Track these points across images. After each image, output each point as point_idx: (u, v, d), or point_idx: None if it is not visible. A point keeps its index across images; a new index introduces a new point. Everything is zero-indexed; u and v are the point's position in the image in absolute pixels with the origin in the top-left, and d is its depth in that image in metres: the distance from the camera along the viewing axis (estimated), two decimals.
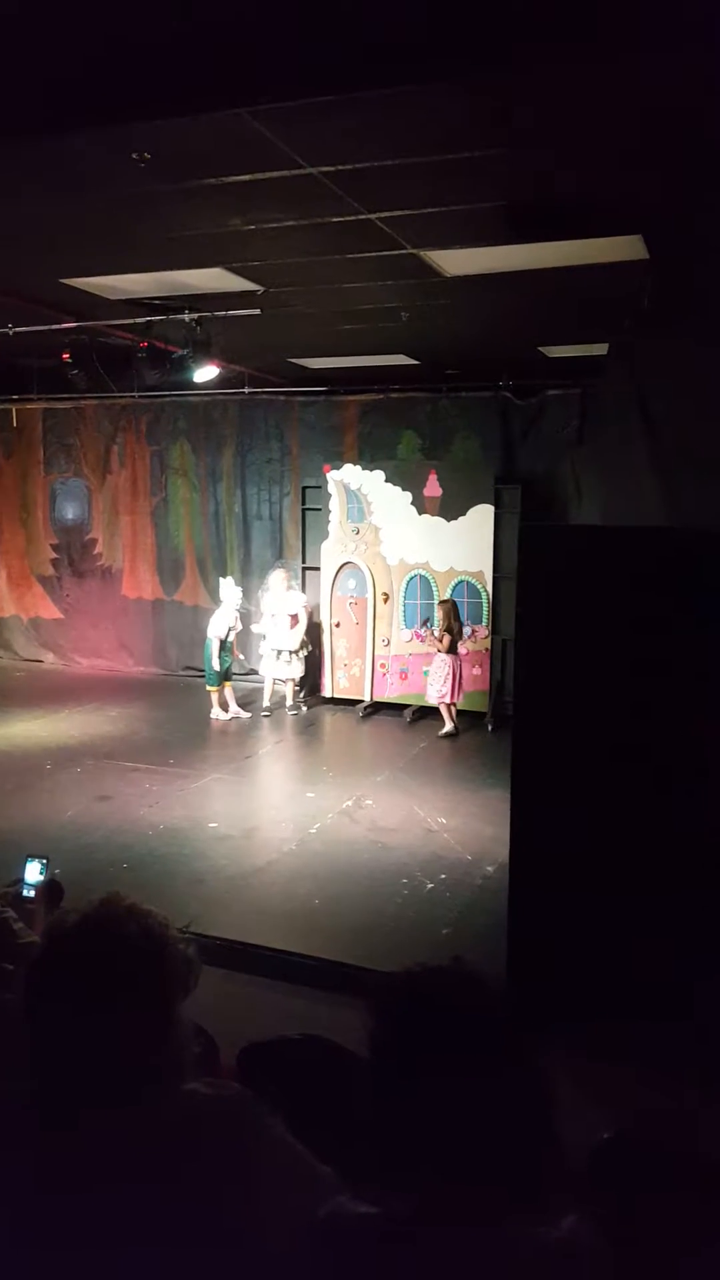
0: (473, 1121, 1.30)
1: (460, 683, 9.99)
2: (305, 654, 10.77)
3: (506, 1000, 1.40)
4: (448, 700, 9.92)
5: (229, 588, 10.57)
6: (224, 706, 10.56)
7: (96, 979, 1.50)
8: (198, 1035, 1.64)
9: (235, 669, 10.85)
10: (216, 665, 10.40)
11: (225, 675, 10.50)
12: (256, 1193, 1.43)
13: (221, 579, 10.96)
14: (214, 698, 10.58)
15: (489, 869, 6.34)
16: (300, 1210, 1.39)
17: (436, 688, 9.94)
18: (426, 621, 10.49)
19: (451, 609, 9.96)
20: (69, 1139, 1.44)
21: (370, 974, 4.22)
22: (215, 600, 10.94)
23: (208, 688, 10.60)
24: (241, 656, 10.87)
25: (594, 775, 4.20)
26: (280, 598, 10.65)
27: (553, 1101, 1.34)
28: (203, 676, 11.03)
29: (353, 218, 5.12)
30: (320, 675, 11.21)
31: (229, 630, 10.38)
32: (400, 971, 1.43)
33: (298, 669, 10.75)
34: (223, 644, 10.38)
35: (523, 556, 4.29)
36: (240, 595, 10.61)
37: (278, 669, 10.68)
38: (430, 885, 6.17)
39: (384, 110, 3.76)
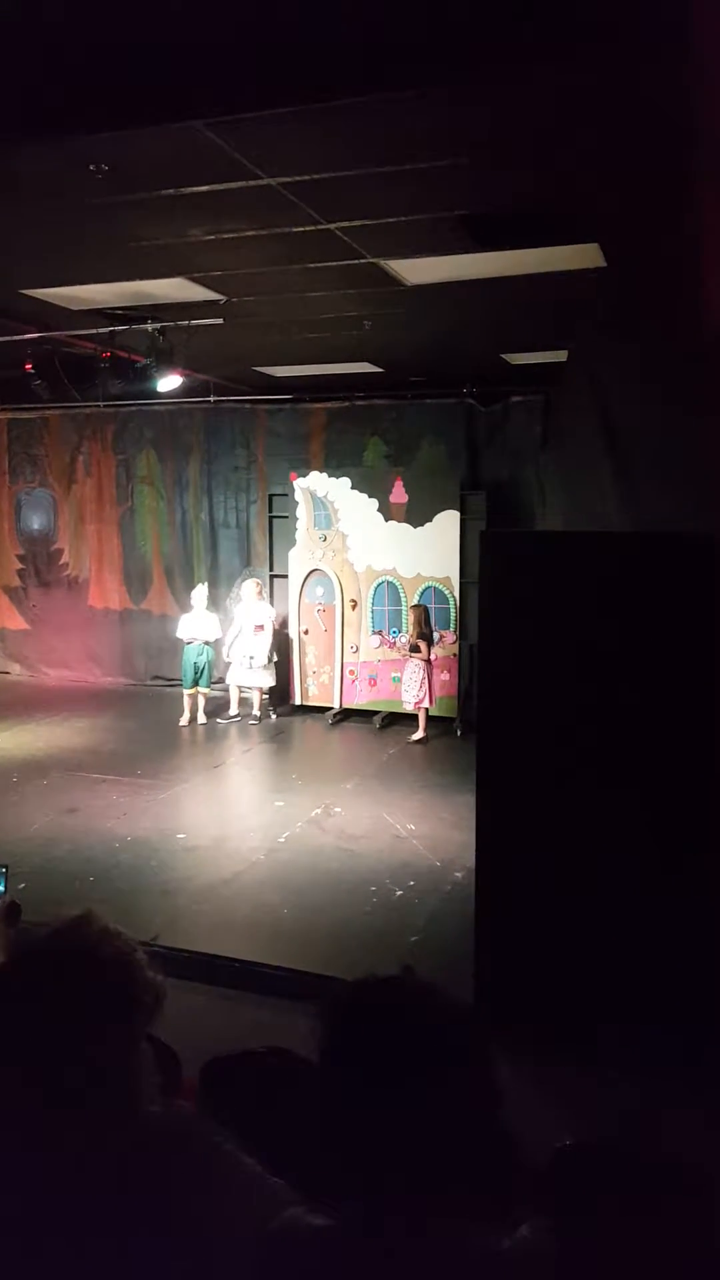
0: (423, 1131, 1.30)
1: (432, 688, 10.02)
2: (273, 663, 10.76)
3: (458, 1009, 1.40)
4: (425, 705, 9.95)
5: (197, 592, 10.71)
6: (192, 714, 10.57)
7: (63, 1001, 1.48)
8: (159, 1055, 1.63)
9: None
10: (188, 671, 10.48)
11: (196, 681, 10.50)
12: (207, 1211, 1.42)
13: (198, 585, 11.03)
14: (186, 704, 10.59)
15: (458, 875, 6.33)
16: (251, 1224, 1.38)
17: (413, 692, 9.96)
18: (381, 633, 10.54)
19: (423, 614, 10.00)
20: (21, 1159, 1.43)
21: (337, 984, 4.20)
22: (186, 608, 10.95)
23: (183, 691, 10.67)
24: (229, 660, 10.86)
25: (556, 779, 4.22)
26: (251, 607, 10.64)
27: (502, 1108, 1.34)
28: (173, 684, 11.00)
29: (312, 228, 5.13)
30: (289, 683, 11.19)
31: (197, 635, 10.43)
32: (349, 982, 1.43)
33: (267, 678, 10.73)
34: (194, 649, 10.44)
35: (484, 562, 4.31)
36: (206, 599, 10.67)
37: (246, 677, 10.66)
38: (399, 892, 6.17)
39: (341, 121, 3.77)
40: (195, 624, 10.55)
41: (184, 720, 10.57)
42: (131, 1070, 1.50)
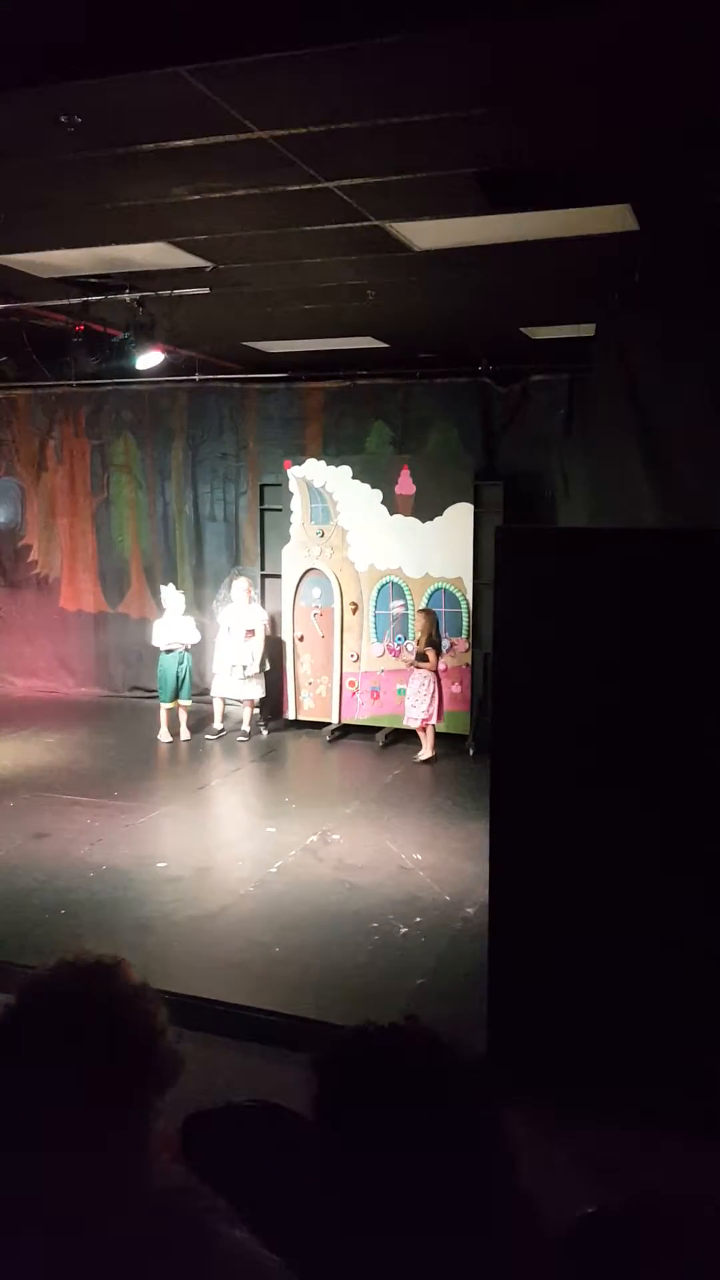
0: (428, 1197, 1.30)
1: (441, 702, 10.02)
2: (264, 672, 10.77)
3: (466, 1061, 1.39)
4: (433, 721, 9.95)
5: (171, 594, 10.69)
6: (173, 729, 10.56)
7: (75, 1065, 1.47)
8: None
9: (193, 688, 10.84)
10: (167, 682, 10.50)
11: (176, 694, 10.50)
12: None
13: (163, 587, 11.00)
14: (162, 718, 10.58)
15: (469, 910, 6.34)
16: None
17: (420, 708, 9.95)
18: (388, 642, 10.56)
19: (431, 620, 10.01)
20: (16, 1241, 1.44)
21: (334, 1031, 4.20)
22: (159, 612, 10.99)
23: (161, 704, 10.68)
24: (215, 669, 10.87)
25: (581, 804, 4.21)
26: (240, 610, 10.66)
27: (518, 1171, 1.34)
28: (153, 696, 11.02)
29: (309, 186, 5.14)
30: (282, 696, 11.20)
31: (175, 642, 10.46)
32: (347, 1029, 1.43)
33: (257, 689, 10.75)
34: (173, 657, 10.46)
35: (500, 562, 4.30)
36: (183, 601, 10.68)
37: (233, 689, 10.67)
38: (404, 929, 6.17)
39: (341, 67, 3.78)
40: (171, 629, 10.56)
41: (164, 736, 10.58)
42: (138, 1147, 1.50)
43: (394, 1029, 1.44)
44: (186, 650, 10.61)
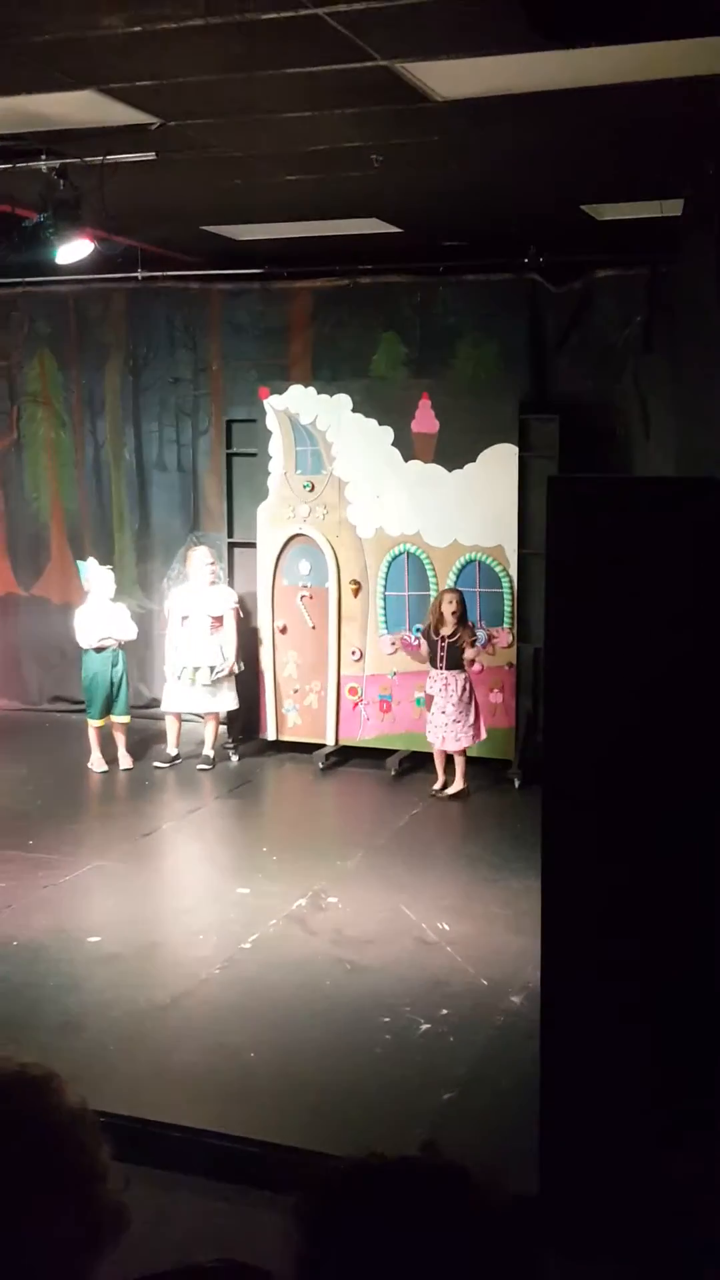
0: None
1: (478, 720, 10.03)
2: (235, 676, 10.77)
3: (508, 1209, 1.40)
4: (465, 743, 9.96)
5: (96, 571, 10.67)
6: (108, 755, 10.59)
7: None
8: None
9: (130, 699, 10.83)
10: (98, 691, 10.50)
11: (110, 705, 10.51)
12: None
13: (81, 562, 11.01)
14: (92, 739, 10.60)
15: (515, 1000, 6.33)
16: None
17: (465, 725, 9.89)
18: (401, 635, 10.55)
19: (459, 604, 9.98)
20: None
21: (326, 1165, 4.21)
22: (79, 597, 11.02)
23: (89, 722, 10.66)
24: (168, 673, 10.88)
25: (668, 856, 4.21)
26: (201, 593, 10.67)
27: None
28: (80, 709, 11.03)
29: (291, 14, 5.13)
30: (259, 708, 11.21)
31: (107, 637, 10.46)
32: (343, 1163, 1.44)
33: (225, 700, 10.75)
34: (104, 658, 10.46)
35: (553, 526, 4.30)
36: (112, 581, 10.69)
37: (192, 699, 10.68)
38: (425, 1026, 6.16)
39: None
40: (99, 620, 10.53)
41: (97, 764, 10.58)
42: None
43: (407, 1163, 1.44)
44: (120, 648, 10.61)
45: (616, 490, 5.05)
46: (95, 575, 10.69)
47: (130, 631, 10.68)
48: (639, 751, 4.24)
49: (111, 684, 10.53)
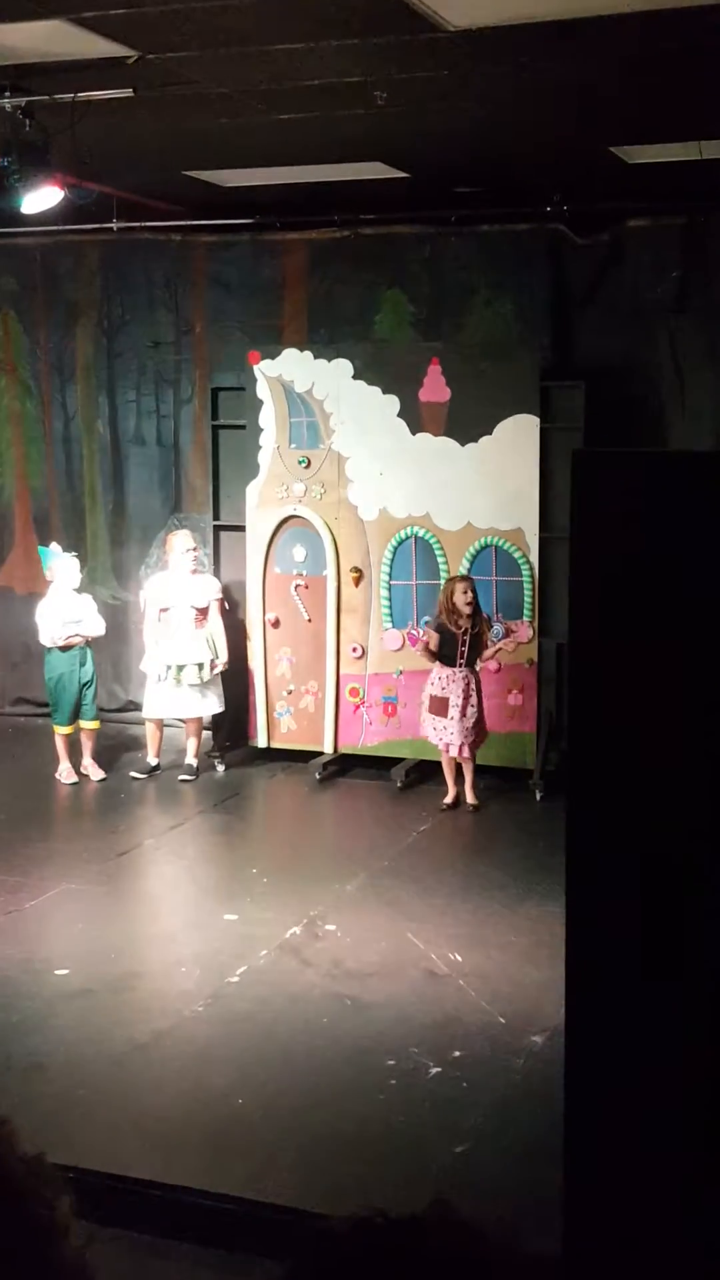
0: None
1: (482, 717, 10.05)
2: (220, 674, 10.77)
3: (525, 1272, 1.39)
4: (470, 750, 9.98)
5: (59, 559, 10.64)
6: (77, 765, 10.61)
7: None
8: None
9: (104, 701, 10.83)
10: (65, 695, 10.49)
11: (79, 710, 10.52)
12: None
13: (43, 549, 10.99)
14: (60, 748, 10.61)
15: (536, 1040, 6.33)
16: None
17: (467, 729, 9.93)
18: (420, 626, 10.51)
19: (470, 593, 9.98)
20: None
21: (322, 1226, 4.22)
22: (42, 586, 11.01)
23: (55, 729, 10.66)
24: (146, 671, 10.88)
25: (710, 874, 4.20)
26: (182, 581, 10.68)
27: None
28: (45, 714, 11.03)
29: None
30: (248, 712, 11.22)
31: (73, 632, 10.47)
32: (341, 1223, 1.43)
33: (210, 703, 10.77)
34: (70, 657, 10.48)
35: (579, 505, 4.29)
36: (78, 570, 10.68)
37: (174, 703, 10.69)
38: (435, 1069, 6.16)
39: None
40: (63, 613, 10.53)
41: (65, 775, 10.59)
42: None
43: (415, 1223, 1.43)
44: (88, 645, 10.61)
45: (649, 466, 5.03)
46: (59, 564, 10.66)
47: (98, 627, 10.68)
48: (676, 760, 4.23)
49: (80, 686, 10.53)
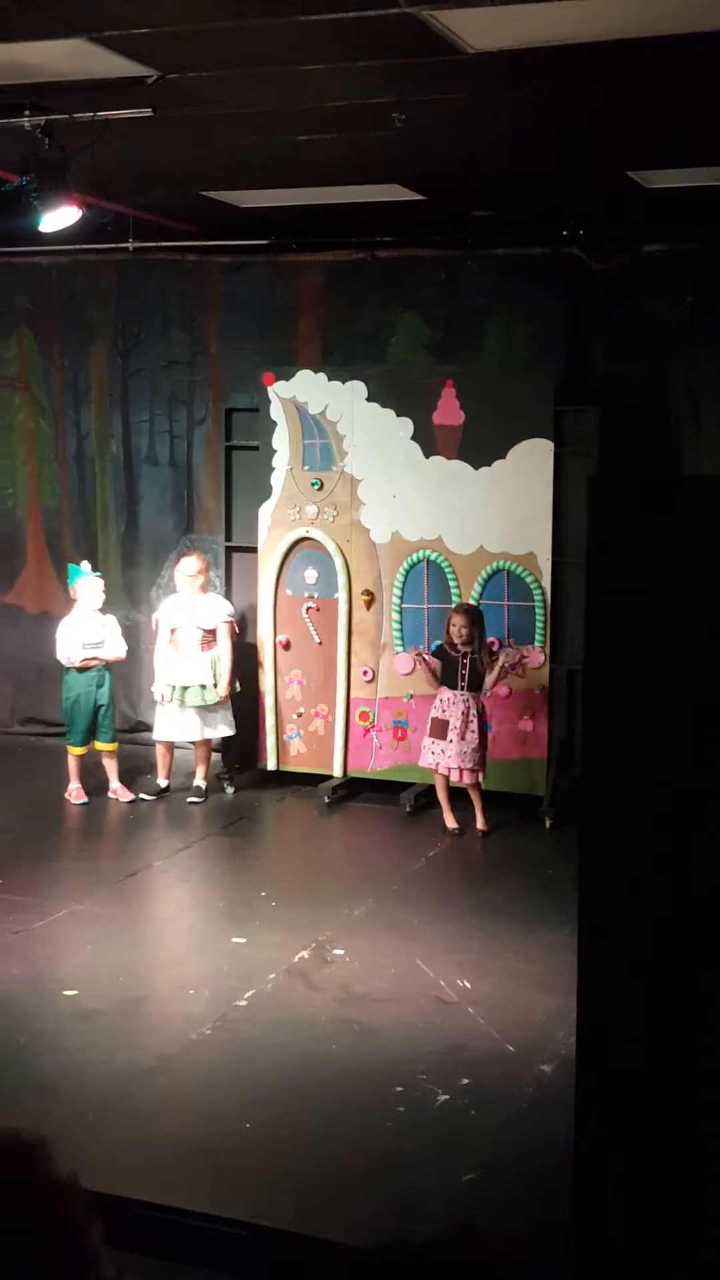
0: None
1: (485, 742, 10.03)
2: (231, 696, 10.76)
3: None
4: (480, 775, 9.95)
5: (86, 579, 10.59)
6: (88, 786, 10.59)
7: None
8: None
9: (116, 723, 10.83)
10: (80, 716, 10.48)
11: (94, 731, 10.52)
12: None
13: (73, 566, 10.95)
14: (72, 768, 10.61)
15: (545, 1069, 6.30)
16: None
17: (468, 754, 9.89)
18: (419, 652, 10.43)
19: (475, 621, 9.98)
20: None
21: (337, 1254, 4.22)
22: (65, 606, 10.98)
23: (68, 749, 10.66)
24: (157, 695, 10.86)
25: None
26: (192, 603, 10.68)
27: None
28: (59, 734, 11.02)
29: None
30: (258, 735, 11.21)
31: (92, 653, 10.45)
32: (356, 1250, 1.42)
33: (219, 725, 10.76)
34: (88, 678, 10.46)
35: (594, 530, 4.29)
36: (101, 590, 10.64)
37: (183, 726, 10.68)
38: (443, 1097, 6.13)
39: None
40: (83, 633, 10.52)
41: (76, 796, 10.58)
42: None
43: (436, 1248, 1.43)
44: (107, 667, 10.61)
45: (664, 490, 5.03)
46: (83, 583, 10.60)
47: (119, 649, 10.66)
48: (692, 788, 4.22)
49: (96, 708, 10.51)
